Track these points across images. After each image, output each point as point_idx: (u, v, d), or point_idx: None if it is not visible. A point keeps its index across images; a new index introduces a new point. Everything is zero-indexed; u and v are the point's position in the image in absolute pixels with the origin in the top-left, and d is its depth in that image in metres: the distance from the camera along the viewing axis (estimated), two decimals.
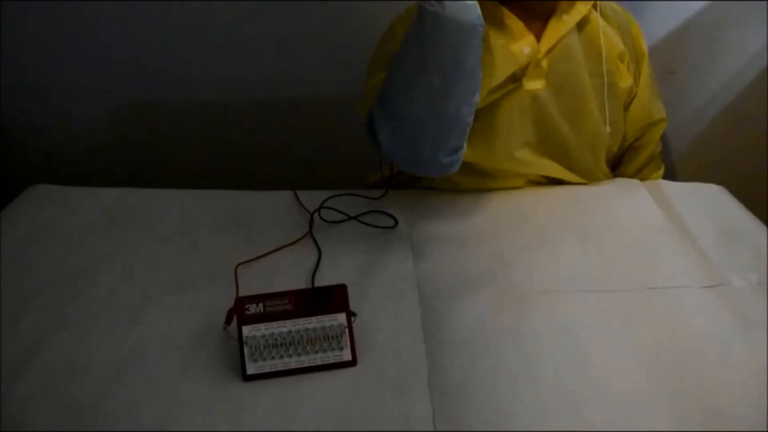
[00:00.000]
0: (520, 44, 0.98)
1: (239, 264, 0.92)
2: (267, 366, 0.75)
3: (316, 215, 1.02)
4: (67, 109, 1.55)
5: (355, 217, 1.02)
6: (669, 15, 1.39)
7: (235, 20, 1.44)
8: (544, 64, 1.00)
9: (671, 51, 1.39)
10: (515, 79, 1.00)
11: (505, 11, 0.98)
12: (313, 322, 0.77)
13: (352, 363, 0.76)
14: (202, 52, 1.48)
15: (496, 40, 0.97)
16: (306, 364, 0.76)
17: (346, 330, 0.77)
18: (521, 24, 0.98)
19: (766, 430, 0.67)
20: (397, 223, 1.00)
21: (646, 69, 1.12)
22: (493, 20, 0.97)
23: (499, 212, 1.03)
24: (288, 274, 0.91)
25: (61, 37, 1.45)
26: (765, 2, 1.32)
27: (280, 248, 0.96)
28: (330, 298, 0.79)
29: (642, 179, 1.14)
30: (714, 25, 1.38)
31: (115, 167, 1.60)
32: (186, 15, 1.43)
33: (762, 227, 1.00)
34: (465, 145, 0.92)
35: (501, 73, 0.97)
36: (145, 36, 1.46)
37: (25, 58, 1.47)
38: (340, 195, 1.06)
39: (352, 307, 0.79)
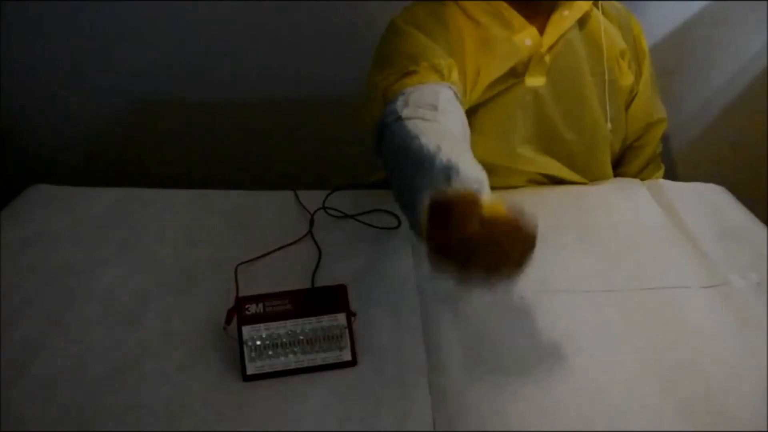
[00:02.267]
0: (521, 36, 0.98)
1: (239, 264, 0.91)
2: (267, 366, 0.75)
3: (316, 215, 1.02)
4: (67, 109, 1.55)
5: (354, 216, 1.01)
6: (669, 15, 1.39)
7: (235, 20, 1.44)
8: (547, 59, 1.00)
9: (671, 51, 1.40)
10: (516, 74, 1.00)
11: (507, 7, 0.98)
12: (313, 322, 0.77)
13: (352, 363, 0.76)
14: (203, 52, 1.48)
15: (498, 31, 0.97)
16: (306, 364, 0.76)
17: (346, 330, 0.77)
18: (522, 18, 0.98)
19: (766, 430, 0.67)
20: (400, 223, 1.00)
21: (647, 68, 1.12)
22: (495, 14, 0.98)
23: None
24: (288, 274, 0.91)
25: (62, 37, 1.45)
26: (765, 2, 1.32)
27: (280, 248, 0.96)
28: (330, 298, 0.79)
29: (642, 180, 1.14)
30: (714, 25, 1.38)
31: (115, 167, 1.60)
32: (186, 15, 1.43)
33: (762, 227, 1.00)
34: None
35: (502, 65, 0.97)
36: (145, 36, 1.46)
37: (25, 58, 1.47)
38: (344, 188, 1.06)
39: (352, 307, 0.79)
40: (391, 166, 0.80)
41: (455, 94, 0.90)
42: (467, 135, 0.87)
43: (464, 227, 0.56)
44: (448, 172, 0.66)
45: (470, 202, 0.58)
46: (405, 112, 0.82)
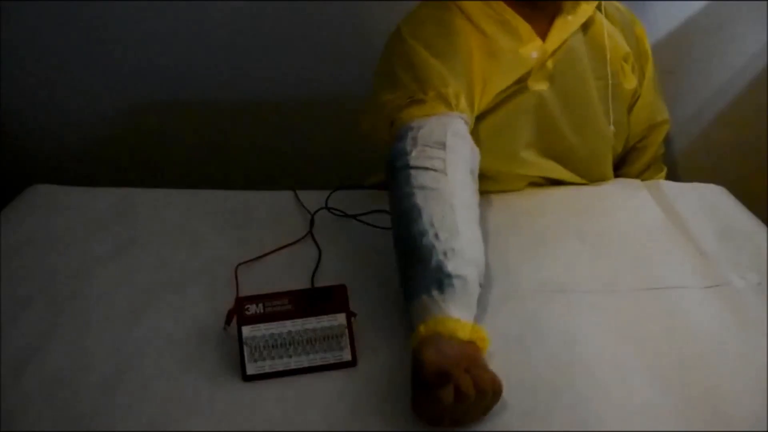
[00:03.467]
0: (528, 48, 0.98)
1: (239, 264, 0.91)
2: (267, 366, 0.75)
3: (316, 215, 1.02)
4: (67, 109, 1.55)
5: (354, 216, 1.01)
6: (669, 15, 1.39)
7: (235, 20, 1.44)
8: (549, 65, 1.00)
9: (671, 51, 1.39)
10: (520, 80, 0.99)
11: (512, 12, 0.97)
12: (313, 323, 0.77)
13: (352, 363, 0.76)
14: (203, 52, 1.48)
15: (504, 42, 0.97)
16: (306, 365, 0.76)
17: (346, 330, 0.77)
18: (529, 27, 0.97)
19: (766, 430, 0.67)
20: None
21: (649, 70, 1.12)
22: (500, 21, 0.97)
23: (500, 213, 1.03)
24: (288, 274, 0.91)
25: (62, 37, 1.45)
26: (765, 2, 1.32)
27: (280, 248, 0.96)
28: (330, 299, 0.78)
29: (644, 181, 1.14)
30: (714, 25, 1.38)
31: (116, 167, 1.60)
32: (187, 15, 1.43)
33: (762, 227, 1.00)
34: None
35: (509, 77, 0.97)
36: (145, 36, 1.46)
37: (25, 58, 1.47)
38: (344, 188, 1.06)
39: (352, 307, 0.79)
40: (395, 218, 0.86)
41: (464, 122, 0.92)
42: (476, 164, 0.91)
43: (438, 408, 0.65)
44: (440, 281, 0.74)
45: (446, 373, 0.64)
46: (413, 157, 0.86)
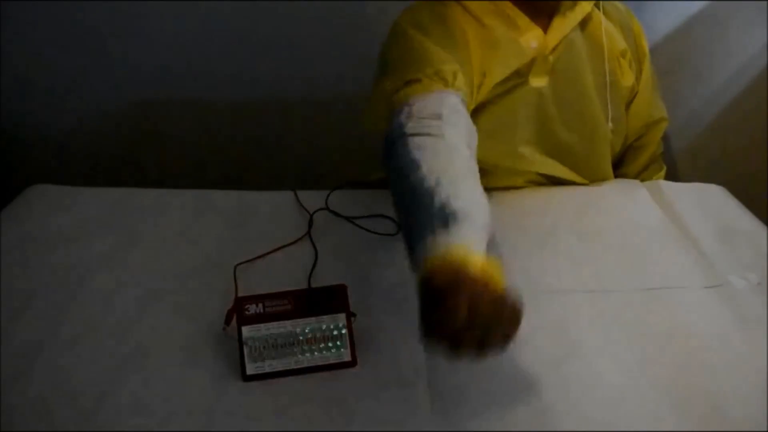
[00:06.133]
0: (527, 37, 0.98)
1: (238, 264, 0.91)
2: (267, 366, 0.75)
3: (315, 215, 1.02)
4: (67, 109, 1.55)
5: (354, 220, 1.01)
6: (669, 15, 1.39)
7: (236, 20, 1.45)
8: (551, 59, 1.00)
9: (671, 51, 1.39)
10: (520, 74, 1.00)
11: (512, 7, 0.98)
12: (313, 323, 0.77)
13: (352, 363, 0.76)
14: (203, 52, 1.48)
15: (504, 32, 0.97)
16: (306, 365, 0.76)
17: (346, 330, 0.77)
18: (527, 19, 0.98)
19: (766, 430, 0.67)
20: (399, 229, 0.99)
21: (647, 68, 1.12)
22: (499, 14, 0.98)
23: (499, 213, 1.02)
24: (288, 274, 0.91)
25: (62, 37, 1.46)
26: (765, 2, 1.32)
27: (280, 248, 0.96)
28: (330, 299, 0.78)
29: (644, 180, 1.14)
30: (714, 25, 1.38)
31: (116, 167, 1.60)
32: (187, 15, 1.43)
33: (762, 227, 1.00)
34: None
35: (508, 67, 0.97)
36: (145, 36, 1.46)
37: (25, 58, 1.48)
38: (344, 187, 1.06)
39: (352, 307, 0.79)
40: (394, 188, 0.81)
41: (461, 99, 0.90)
42: (474, 141, 0.88)
43: (452, 321, 0.59)
44: (445, 217, 0.68)
45: (458, 282, 0.60)
46: (409, 127, 0.83)
